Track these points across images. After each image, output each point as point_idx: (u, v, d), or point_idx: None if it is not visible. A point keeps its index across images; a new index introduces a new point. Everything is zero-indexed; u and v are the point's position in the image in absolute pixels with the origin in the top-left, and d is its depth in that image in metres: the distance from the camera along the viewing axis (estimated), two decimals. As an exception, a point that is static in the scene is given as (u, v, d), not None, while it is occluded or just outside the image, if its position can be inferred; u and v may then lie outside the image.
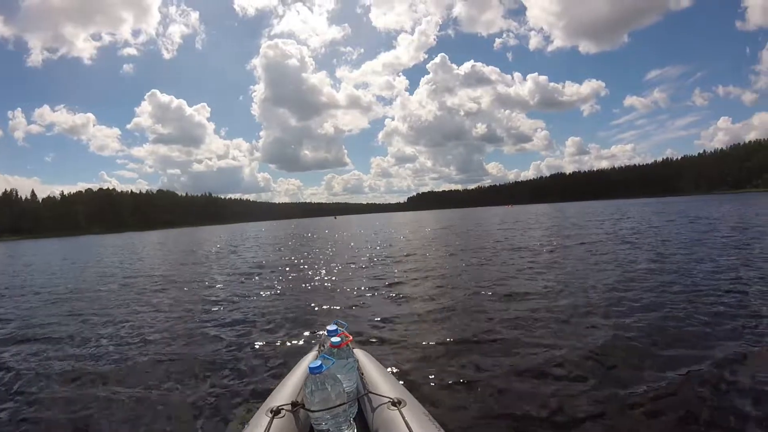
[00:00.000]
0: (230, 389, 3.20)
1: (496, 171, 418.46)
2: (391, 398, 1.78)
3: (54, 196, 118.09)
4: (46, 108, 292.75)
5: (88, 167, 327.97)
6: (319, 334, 4.32)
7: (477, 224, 28.34)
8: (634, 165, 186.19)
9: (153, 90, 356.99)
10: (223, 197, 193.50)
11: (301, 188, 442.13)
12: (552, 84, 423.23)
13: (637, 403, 2.64)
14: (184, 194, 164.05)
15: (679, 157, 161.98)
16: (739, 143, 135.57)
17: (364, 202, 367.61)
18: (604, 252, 9.56)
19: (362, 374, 2.06)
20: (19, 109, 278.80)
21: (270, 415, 1.70)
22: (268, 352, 4.04)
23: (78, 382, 3.50)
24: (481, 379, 3.11)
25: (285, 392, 1.96)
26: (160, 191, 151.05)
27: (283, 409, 1.75)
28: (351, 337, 2.05)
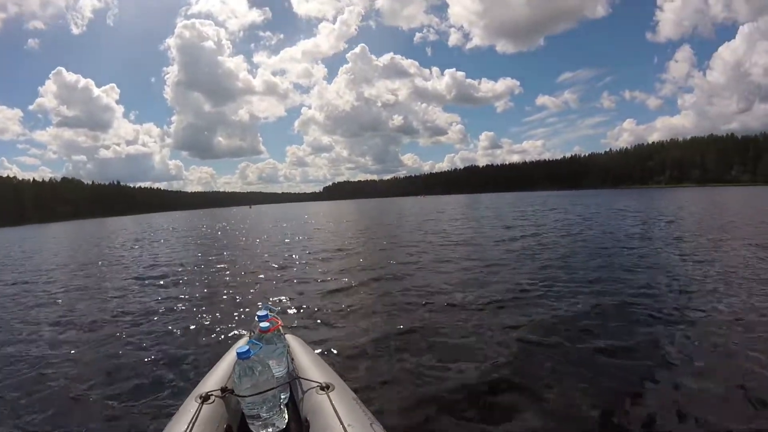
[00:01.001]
0: (158, 380, 3.27)
1: (412, 162, 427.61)
2: (319, 383, 1.81)
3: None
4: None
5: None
6: (248, 323, 4.36)
7: (399, 216, 28.33)
8: (545, 160, 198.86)
9: (59, 68, 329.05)
10: (132, 186, 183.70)
11: (215, 177, 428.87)
12: (469, 80, 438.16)
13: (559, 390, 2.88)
14: (90, 183, 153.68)
15: (587, 154, 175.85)
16: (643, 143, 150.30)
17: (279, 192, 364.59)
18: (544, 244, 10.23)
19: (292, 359, 2.10)
20: None
21: (199, 401, 1.71)
22: (198, 341, 4.15)
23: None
24: (407, 366, 3.27)
25: (214, 378, 1.97)
26: (64, 179, 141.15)
27: (212, 395, 1.76)
28: (280, 322, 2.10)
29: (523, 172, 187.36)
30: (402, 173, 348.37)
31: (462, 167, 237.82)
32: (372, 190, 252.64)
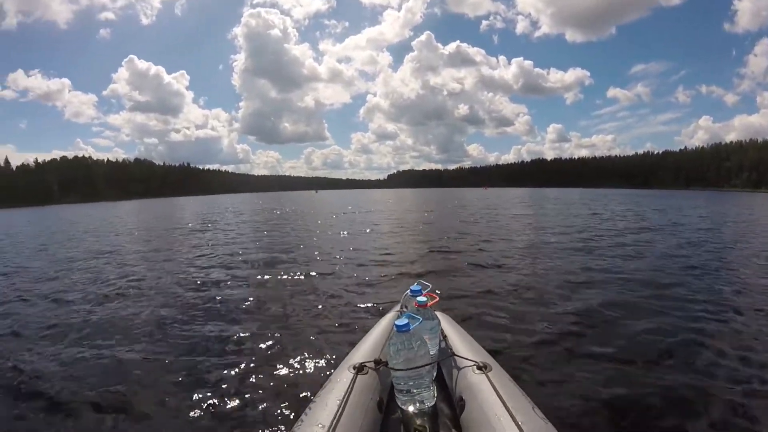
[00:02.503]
0: (313, 347, 3.36)
1: (477, 153, 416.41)
2: (476, 361, 1.73)
3: (28, 164, 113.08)
4: (20, 72, 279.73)
5: (64, 134, 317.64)
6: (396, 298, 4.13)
7: (488, 207, 25.92)
8: (615, 156, 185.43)
9: (131, 56, 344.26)
10: (201, 168, 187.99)
11: (280, 161, 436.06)
12: (537, 70, 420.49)
13: None
14: (161, 164, 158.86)
15: (660, 151, 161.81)
16: (719, 143, 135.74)
17: (344, 178, 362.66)
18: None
19: (445, 336, 2.02)
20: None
21: (353, 371, 1.69)
22: (347, 313, 4.30)
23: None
24: (565, 354, 3.13)
25: (367, 349, 1.93)
26: (137, 160, 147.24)
27: (366, 366, 1.73)
28: (437, 297, 2.01)
29: (592, 167, 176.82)
30: (467, 163, 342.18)
31: (529, 160, 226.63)
32: (436, 179, 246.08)
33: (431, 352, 1.77)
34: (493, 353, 2.02)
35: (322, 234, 12.39)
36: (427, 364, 1.62)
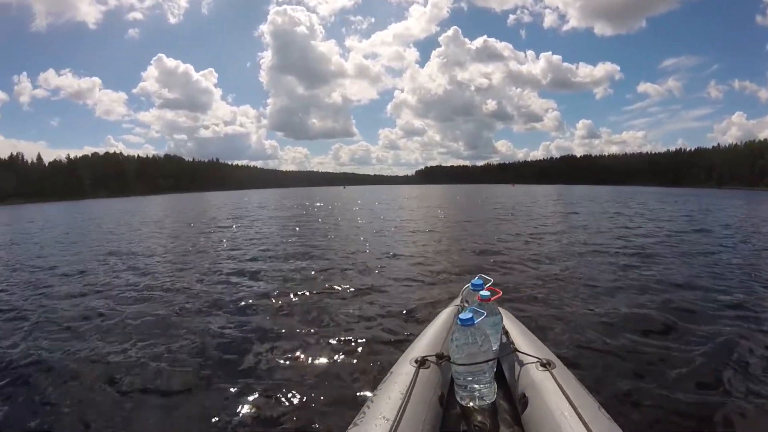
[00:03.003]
0: (369, 340, 3.33)
1: (505, 149, 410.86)
2: (539, 358, 1.70)
3: (60, 160, 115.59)
4: (51, 72, 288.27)
5: (95, 131, 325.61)
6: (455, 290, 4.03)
7: (522, 204, 24.94)
8: (646, 152, 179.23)
9: (159, 54, 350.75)
10: (230, 163, 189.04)
11: (308, 157, 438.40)
12: (566, 64, 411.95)
13: None
14: (190, 160, 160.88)
15: (692, 148, 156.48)
16: (753, 140, 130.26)
17: (372, 174, 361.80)
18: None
19: (507, 332, 1.99)
20: (25, 73, 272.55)
21: (415, 365, 1.68)
22: (404, 304, 4.26)
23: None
24: (628, 357, 2.99)
25: (428, 343, 1.93)
26: (166, 156, 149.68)
27: (428, 360, 1.72)
28: (500, 292, 1.90)
29: (622, 164, 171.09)
30: (495, 160, 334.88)
31: (558, 156, 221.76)
32: (464, 175, 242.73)
33: (493, 348, 1.73)
34: (555, 351, 1.92)
35: (362, 228, 12.36)
36: (489, 360, 1.61)
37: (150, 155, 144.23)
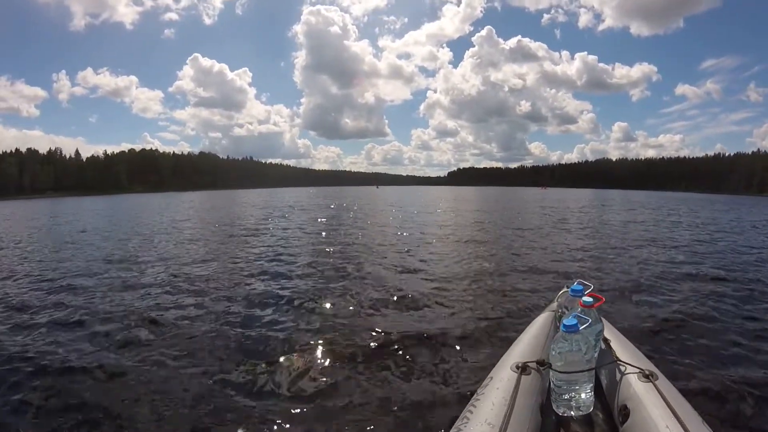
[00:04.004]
0: (462, 344, 3.31)
1: (539, 151, 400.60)
2: (641, 369, 1.64)
3: (97, 155, 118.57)
4: (89, 71, 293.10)
5: (132, 128, 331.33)
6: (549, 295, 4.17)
7: (574, 210, 24.06)
8: (684, 157, 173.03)
9: (195, 54, 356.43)
10: (264, 162, 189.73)
11: (341, 156, 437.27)
12: (601, 65, 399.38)
13: None
14: (225, 157, 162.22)
15: (731, 153, 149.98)
16: None
17: (404, 174, 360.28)
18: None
19: (607, 341, 1.92)
20: (63, 71, 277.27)
21: (516, 371, 1.64)
22: (500, 307, 4.27)
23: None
24: (731, 373, 2.79)
25: (526, 349, 1.87)
26: (201, 153, 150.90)
27: (529, 366, 1.67)
28: (603, 299, 1.84)
29: (659, 169, 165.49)
30: (529, 162, 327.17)
31: (593, 159, 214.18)
32: (498, 177, 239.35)
33: (594, 357, 1.67)
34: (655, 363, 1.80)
35: (425, 229, 12.08)
36: (591, 369, 1.57)
37: (185, 152, 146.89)
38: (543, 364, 1.67)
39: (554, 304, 2.36)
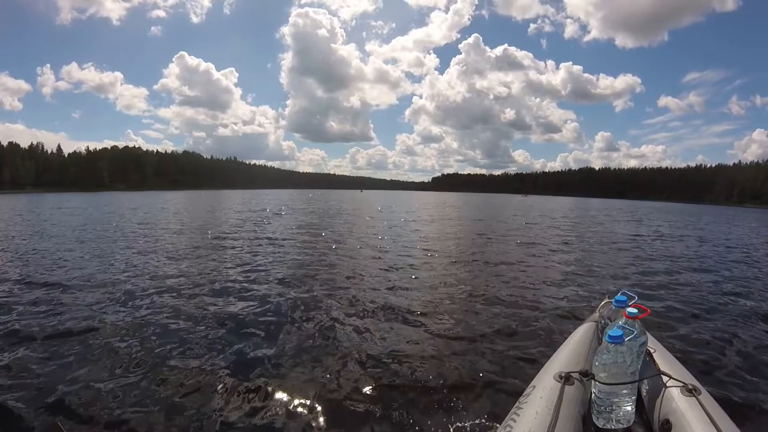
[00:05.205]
0: (515, 349, 3.40)
1: (523, 159, 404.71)
2: (684, 383, 1.60)
3: (80, 151, 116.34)
4: (74, 65, 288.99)
5: (115, 125, 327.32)
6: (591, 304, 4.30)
7: (568, 218, 24.42)
8: (666, 167, 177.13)
9: (181, 52, 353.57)
10: (248, 162, 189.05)
11: (325, 159, 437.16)
12: (586, 75, 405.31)
13: None
14: (209, 157, 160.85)
15: (713, 165, 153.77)
16: None
17: (388, 179, 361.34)
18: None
19: (650, 353, 1.86)
20: (48, 65, 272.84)
21: (560, 381, 1.61)
22: (537, 316, 4.31)
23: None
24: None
25: (569, 359, 1.84)
26: (185, 152, 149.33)
27: (572, 376, 1.64)
28: (648, 310, 1.78)
29: (642, 179, 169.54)
30: (512, 169, 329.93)
31: (576, 168, 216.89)
32: (480, 184, 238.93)
33: (638, 369, 1.64)
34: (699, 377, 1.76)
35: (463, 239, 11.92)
36: (634, 381, 1.55)
37: (169, 151, 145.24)
38: (586, 375, 1.64)
39: (596, 315, 2.34)
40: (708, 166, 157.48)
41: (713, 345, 3.57)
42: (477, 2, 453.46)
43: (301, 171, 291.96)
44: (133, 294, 4.90)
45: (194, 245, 9.19)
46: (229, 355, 3.22)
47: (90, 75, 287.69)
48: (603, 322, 2.06)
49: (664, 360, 1.85)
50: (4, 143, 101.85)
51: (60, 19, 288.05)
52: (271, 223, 15.13)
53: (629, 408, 1.56)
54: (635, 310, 1.73)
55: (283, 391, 2.67)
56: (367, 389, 2.75)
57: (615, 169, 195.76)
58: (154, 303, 4.57)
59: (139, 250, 8.34)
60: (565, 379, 1.61)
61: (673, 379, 1.64)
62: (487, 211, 28.86)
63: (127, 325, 3.84)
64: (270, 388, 2.69)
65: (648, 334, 2.03)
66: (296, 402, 2.55)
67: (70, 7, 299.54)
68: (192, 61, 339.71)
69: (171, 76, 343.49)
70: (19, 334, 3.61)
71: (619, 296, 1.92)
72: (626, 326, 1.62)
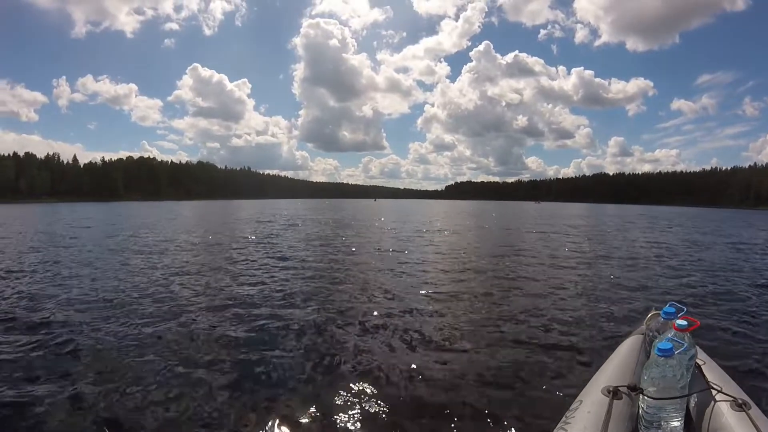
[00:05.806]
0: (558, 361, 3.39)
1: (536, 166, 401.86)
2: (734, 397, 1.55)
3: (95, 162, 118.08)
4: (89, 78, 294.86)
5: (130, 136, 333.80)
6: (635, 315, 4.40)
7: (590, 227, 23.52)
8: (680, 171, 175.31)
9: (194, 64, 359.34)
10: (261, 172, 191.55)
11: (338, 169, 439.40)
12: (597, 80, 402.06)
13: None
14: (223, 167, 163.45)
15: (728, 168, 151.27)
16: None
17: (401, 188, 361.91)
18: None
19: (699, 367, 1.81)
20: (64, 77, 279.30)
21: (608, 395, 1.58)
22: (578, 330, 4.27)
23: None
24: None
25: (616, 373, 1.81)
26: (199, 163, 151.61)
27: (620, 390, 1.60)
28: (698, 323, 1.72)
29: (656, 183, 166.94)
30: (525, 176, 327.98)
31: (590, 174, 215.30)
32: (494, 191, 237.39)
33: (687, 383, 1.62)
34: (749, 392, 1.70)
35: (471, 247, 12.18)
36: (684, 396, 1.51)
37: (183, 161, 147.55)
38: (634, 389, 1.58)
39: (643, 327, 2.26)
40: (723, 169, 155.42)
41: (764, 358, 3.51)
42: (487, 9, 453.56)
43: (314, 180, 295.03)
44: (151, 309, 4.88)
45: (206, 259, 9.12)
46: (235, 371, 3.23)
47: (105, 87, 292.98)
48: (651, 334, 1.99)
49: (713, 373, 1.77)
50: (21, 154, 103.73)
51: (75, 33, 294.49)
52: (286, 235, 14.58)
53: (677, 423, 1.51)
54: (685, 323, 1.67)
55: (297, 413, 2.61)
56: (386, 409, 2.65)
57: (629, 174, 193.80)
58: (170, 317, 4.60)
59: (151, 265, 8.12)
60: (613, 393, 1.57)
61: (723, 393, 1.58)
62: (505, 220, 28.25)
63: (139, 340, 3.84)
64: (279, 409, 2.66)
65: (697, 347, 1.94)
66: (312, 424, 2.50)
67: (85, 21, 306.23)
68: (205, 72, 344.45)
69: (184, 88, 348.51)
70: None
71: (667, 308, 1.89)
72: (675, 339, 1.58)
